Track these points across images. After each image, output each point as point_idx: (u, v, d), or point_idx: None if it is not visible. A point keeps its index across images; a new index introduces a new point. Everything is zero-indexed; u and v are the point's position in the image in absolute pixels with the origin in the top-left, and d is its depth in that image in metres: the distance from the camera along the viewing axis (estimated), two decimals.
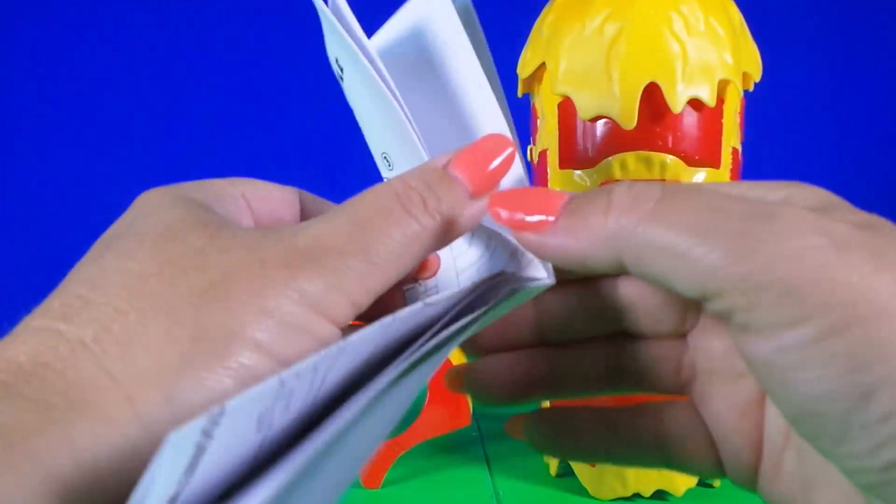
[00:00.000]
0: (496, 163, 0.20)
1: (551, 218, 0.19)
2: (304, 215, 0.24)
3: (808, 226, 0.16)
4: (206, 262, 0.17)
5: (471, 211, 0.20)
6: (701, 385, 0.22)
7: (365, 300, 0.18)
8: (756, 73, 0.40)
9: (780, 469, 0.20)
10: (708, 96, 0.36)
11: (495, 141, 0.20)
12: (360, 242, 0.18)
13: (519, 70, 0.42)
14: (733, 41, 0.37)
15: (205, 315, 0.16)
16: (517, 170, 0.23)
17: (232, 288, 0.17)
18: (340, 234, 0.18)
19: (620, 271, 0.19)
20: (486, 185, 0.20)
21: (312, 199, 0.24)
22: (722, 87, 0.38)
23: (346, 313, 0.18)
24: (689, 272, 0.17)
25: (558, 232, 0.19)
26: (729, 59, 0.37)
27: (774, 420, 0.21)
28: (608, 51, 0.37)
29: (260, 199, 0.23)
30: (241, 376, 0.16)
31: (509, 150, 0.20)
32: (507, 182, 0.23)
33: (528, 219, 0.19)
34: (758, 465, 0.21)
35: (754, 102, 0.42)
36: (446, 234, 0.20)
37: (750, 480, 0.21)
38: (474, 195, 0.20)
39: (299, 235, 0.18)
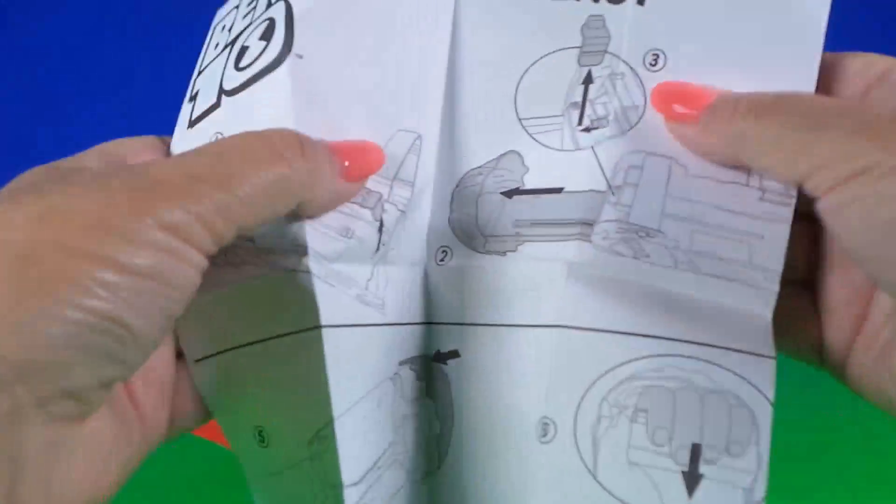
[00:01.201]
0: (368, 164, 0.21)
1: (696, 112, 0.20)
2: None
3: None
4: (48, 192, 0.17)
5: (336, 186, 0.20)
6: (821, 265, 0.23)
7: (226, 232, 0.18)
8: None
9: (875, 341, 0.21)
10: None
11: (375, 150, 0.21)
12: (223, 173, 0.17)
13: None
14: None
15: (39, 236, 0.16)
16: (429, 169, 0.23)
17: (72, 210, 0.16)
18: (203, 163, 0.18)
19: (742, 163, 0.20)
20: (353, 176, 0.21)
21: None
22: None
23: (205, 241, 0.17)
24: (795, 162, 0.18)
25: (698, 128, 0.20)
26: None
27: (881, 302, 0.21)
28: None
29: (131, 152, 0.22)
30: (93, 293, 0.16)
31: (376, 164, 0.22)
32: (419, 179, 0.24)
33: (679, 110, 0.21)
34: (854, 340, 0.22)
35: None
36: (313, 188, 0.19)
37: (842, 356, 0.22)
38: (342, 177, 0.20)
39: (156, 165, 0.18)
